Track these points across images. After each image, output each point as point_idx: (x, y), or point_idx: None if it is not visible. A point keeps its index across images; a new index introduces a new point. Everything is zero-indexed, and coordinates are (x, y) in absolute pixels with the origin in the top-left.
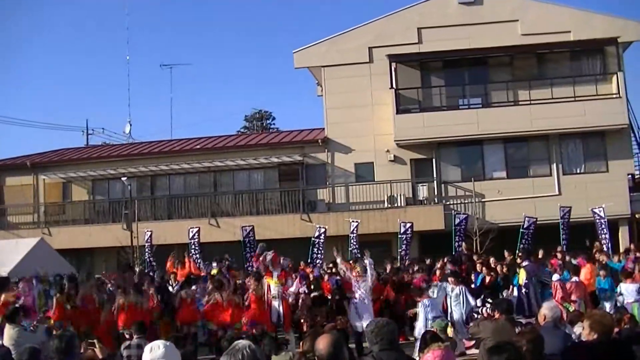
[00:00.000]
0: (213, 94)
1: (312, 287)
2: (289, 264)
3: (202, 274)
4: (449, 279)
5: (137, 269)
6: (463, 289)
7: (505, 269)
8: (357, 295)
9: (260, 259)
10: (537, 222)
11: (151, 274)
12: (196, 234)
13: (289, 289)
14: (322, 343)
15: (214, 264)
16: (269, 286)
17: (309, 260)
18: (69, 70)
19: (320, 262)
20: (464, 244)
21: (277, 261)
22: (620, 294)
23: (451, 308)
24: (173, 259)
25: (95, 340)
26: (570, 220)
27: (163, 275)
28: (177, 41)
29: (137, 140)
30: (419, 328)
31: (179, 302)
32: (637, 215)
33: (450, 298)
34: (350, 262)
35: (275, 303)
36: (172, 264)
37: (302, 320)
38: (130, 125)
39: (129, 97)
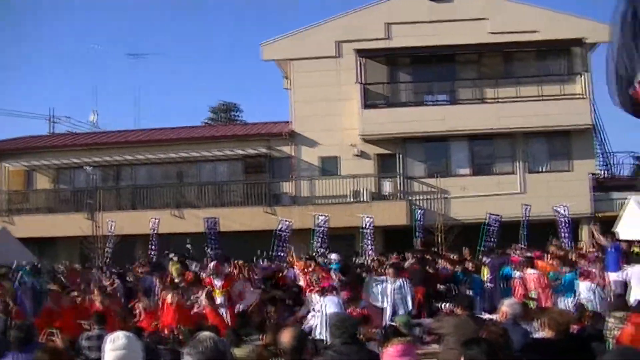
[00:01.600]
0: (179, 85)
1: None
2: (232, 269)
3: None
4: (389, 271)
5: (97, 262)
6: (404, 282)
7: (470, 265)
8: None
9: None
10: (501, 220)
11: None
12: (155, 225)
13: (241, 294)
14: (286, 336)
15: (174, 257)
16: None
17: (271, 253)
18: (34, 57)
19: (284, 255)
20: (418, 240)
21: (220, 270)
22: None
23: (394, 301)
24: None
25: (55, 331)
26: (534, 218)
27: (123, 271)
28: (144, 31)
29: (102, 129)
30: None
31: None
32: (598, 215)
33: (393, 291)
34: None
35: (222, 311)
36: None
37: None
38: (97, 114)
39: (95, 86)
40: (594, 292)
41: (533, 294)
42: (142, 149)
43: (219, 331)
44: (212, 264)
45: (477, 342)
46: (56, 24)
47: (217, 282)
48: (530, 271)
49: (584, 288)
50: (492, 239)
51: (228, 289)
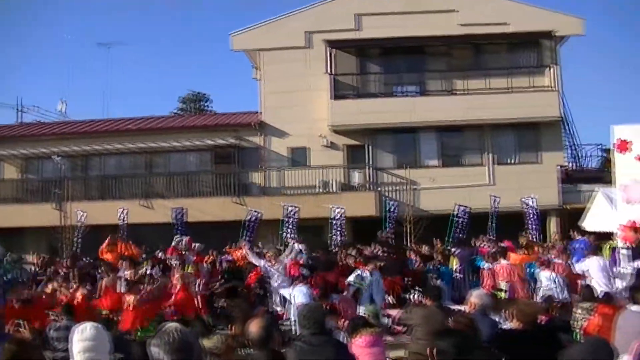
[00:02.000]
0: (149, 75)
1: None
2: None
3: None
4: (369, 264)
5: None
6: (379, 275)
7: (439, 257)
8: (273, 282)
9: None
10: (470, 211)
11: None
12: (124, 216)
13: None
14: (254, 327)
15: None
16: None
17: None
18: (2, 46)
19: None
20: (386, 232)
21: (191, 246)
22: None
23: (372, 294)
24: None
25: (22, 322)
26: (502, 209)
27: (94, 260)
28: (115, 21)
29: (71, 119)
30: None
31: (104, 290)
32: (566, 207)
33: (371, 285)
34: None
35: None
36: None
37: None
38: (65, 103)
39: (64, 75)
40: (555, 282)
41: (503, 285)
42: (110, 139)
43: (187, 322)
44: (185, 239)
45: (448, 334)
46: (24, 13)
47: (189, 257)
48: (502, 262)
49: (544, 277)
50: (461, 231)
51: (199, 263)
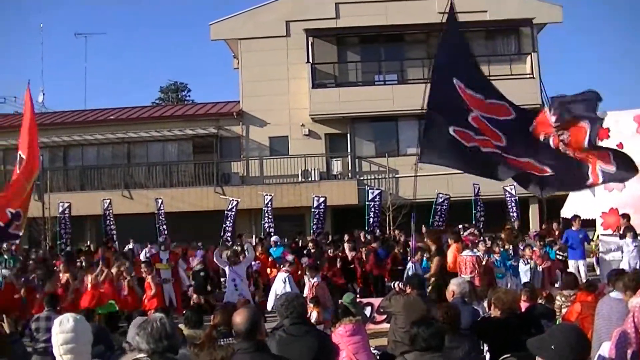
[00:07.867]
0: (128, 65)
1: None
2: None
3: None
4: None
5: (48, 243)
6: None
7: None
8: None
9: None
10: (450, 199)
11: (63, 246)
12: (110, 206)
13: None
14: (240, 317)
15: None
16: (158, 271)
17: (221, 234)
18: None
19: (230, 235)
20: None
21: (168, 244)
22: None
23: None
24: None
25: (4, 316)
26: (483, 197)
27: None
28: (92, 9)
29: (50, 109)
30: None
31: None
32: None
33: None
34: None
35: (166, 286)
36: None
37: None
38: (44, 94)
39: (42, 65)
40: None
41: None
42: (90, 129)
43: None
44: (162, 237)
45: (426, 323)
46: (3, 4)
47: (164, 256)
48: (466, 253)
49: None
50: (442, 219)
51: (173, 263)
